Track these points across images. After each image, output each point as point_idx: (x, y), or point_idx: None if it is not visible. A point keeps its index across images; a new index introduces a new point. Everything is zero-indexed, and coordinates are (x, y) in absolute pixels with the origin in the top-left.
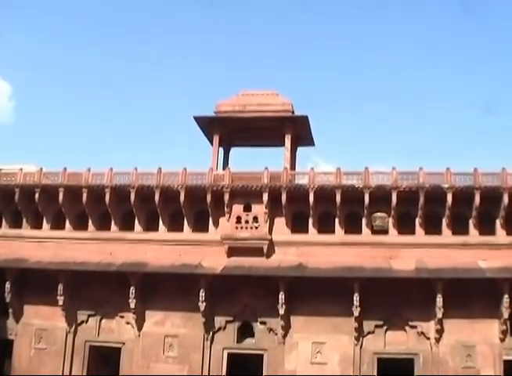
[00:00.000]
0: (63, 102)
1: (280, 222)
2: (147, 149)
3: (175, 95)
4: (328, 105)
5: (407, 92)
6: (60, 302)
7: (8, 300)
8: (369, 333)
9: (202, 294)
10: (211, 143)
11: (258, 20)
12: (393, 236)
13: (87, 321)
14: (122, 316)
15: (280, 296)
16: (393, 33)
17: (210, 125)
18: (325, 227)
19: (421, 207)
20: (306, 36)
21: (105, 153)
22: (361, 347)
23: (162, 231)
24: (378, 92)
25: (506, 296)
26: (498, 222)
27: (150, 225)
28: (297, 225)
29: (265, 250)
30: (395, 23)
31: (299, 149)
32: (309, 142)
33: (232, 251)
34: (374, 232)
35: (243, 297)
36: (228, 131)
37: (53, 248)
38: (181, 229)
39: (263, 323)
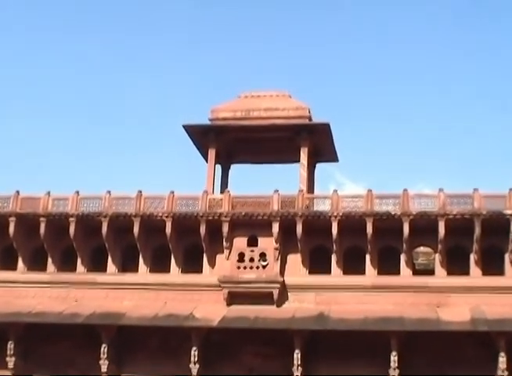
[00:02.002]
0: (13, 107)
1: (295, 260)
2: (124, 168)
3: (161, 99)
4: (351, 111)
5: (455, 96)
6: (10, 365)
7: None
8: None
9: (194, 353)
10: (206, 159)
11: (261, 11)
12: (441, 277)
13: None
14: None
15: (295, 356)
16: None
17: (205, 136)
18: (352, 266)
19: (477, 239)
20: (320, 30)
21: (69, 174)
22: None
23: (143, 272)
24: (418, 96)
25: None
26: None
27: (128, 265)
28: (317, 263)
29: (275, 296)
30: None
31: (318, 166)
32: (331, 156)
33: (232, 298)
34: (416, 272)
35: (247, 357)
36: (227, 143)
37: (1, 294)
38: (167, 270)
39: None
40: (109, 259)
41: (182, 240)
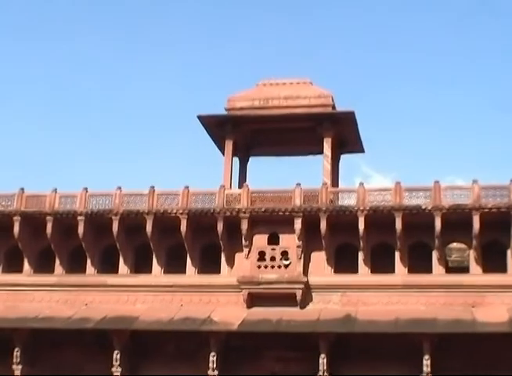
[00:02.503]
0: (16, 102)
1: (319, 259)
2: (135, 163)
3: (175, 89)
4: (377, 98)
5: (488, 81)
6: (17, 373)
7: None
8: None
9: (213, 359)
10: (222, 152)
11: None
12: (476, 275)
13: None
14: None
15: (321, 360)
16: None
17: (221, 127)
18: (381, 264)
19: None
20: (340, 13)
21: (77, 170)
22: None
23: (156, 273)
24: (448, 81)
25: None
26: None
27: (140, 266)
28: (343, 261)
29: (298, 297)
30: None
31: (343, 157)
32: (356, 147)
33: (253, 300)
34: (450, 270)
35: (269, 362)
36: (245, 134)
37: (6, 298)
38: (182, 270)
39: None
40: (121, 260)
41: (198, 238)
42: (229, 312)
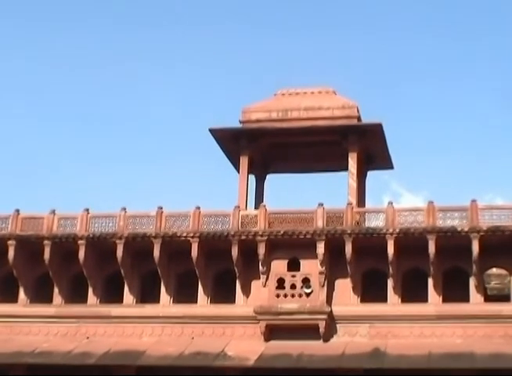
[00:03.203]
0: (14, 115)
1: (344, 287)
2: (141, 181)
3: (185, 101)
4: (406, 110)
5: None
6: None
7: None
8: None
9: None
10: (237, 169)
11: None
12: None
13: None
14: None
15: None
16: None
17: (235, 142)
18: (412, 292)
19: None
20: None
21: (77, 190)
22: None
23: (165, 303)
24: (484, 92)
25: None
26: None
27: (147, 295)
28: (370, 290)
29: (321, 329)
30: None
31: (370, 174)
32: (385, 163)
33: (271, 332)
34: (489, 298)
35: None
36: (261, 149)
37: (0, 331)
38: (193, 300)
39: None
40: (126, 288)
41: (211, 264)
42: (245, 345)
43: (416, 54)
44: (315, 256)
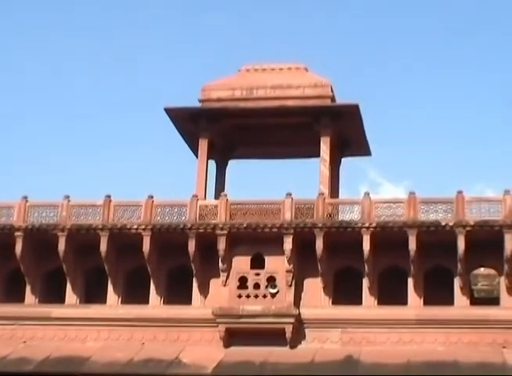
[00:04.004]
0: None
1: (314, 287)
2: (87, 167)
3: (137, 78)
4: (386, 90)
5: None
6: None
7: None
8: None
9: None
10: (195, 154)
11: None
12: (507, 308)
13: None
14: None
15: None
16: None
17: (194, 123)
18: (390, 294)
19: None
20: None
21: (16, 175)
22: None
23: (112, 303)
24: (471, 71)
25: None
26: None
27: (93, 294)
28: (344, 290)
29: (288, 334)
30: None
31: (344, 161)
32: (362, 149)
33: (232, 337)
34: (475, 301)
35: None
36: (223, 132)
37: None
38: (145, 300)
39: None
40: (68, 287)
41: (165, 260)
42: (202, 352)
43: (397, 28)
44: (282, 252)
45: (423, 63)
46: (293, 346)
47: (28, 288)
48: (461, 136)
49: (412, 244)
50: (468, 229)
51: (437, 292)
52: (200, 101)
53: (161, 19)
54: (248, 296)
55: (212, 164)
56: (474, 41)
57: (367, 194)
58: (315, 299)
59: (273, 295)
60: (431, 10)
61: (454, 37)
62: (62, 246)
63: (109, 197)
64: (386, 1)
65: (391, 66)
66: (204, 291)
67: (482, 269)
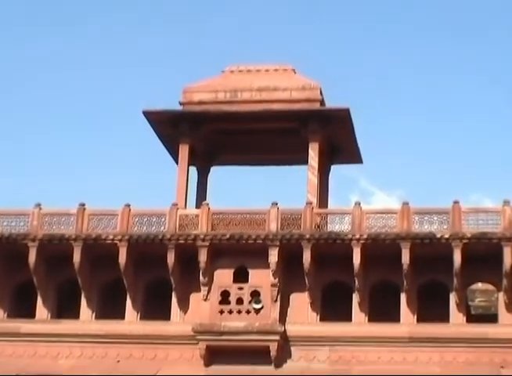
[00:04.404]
0: None
1: (301, 302)
2: (60, 172)
3: (116, 80)
4: (379, 95)
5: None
6: None
7: None
8: None
9: None
10: (175, 160)
11: None
12: (506, 325)
13: None
14: None
15: None
16: None
17: (174, 127)
18: (381, 310)
19: None
20: None
21: None
22: None
23: (86, 319)
24: (469, 77)
25: None
26: None
27: (65, 309)
28: (332, 306)
29: (273, 352)
30: None
31: (334, 168)
32: (352, 156)
33: (213, 355)
34: (472, 318)
35: None
36: (205, 137)
37: None
38: (120, 315)
39: None
40: (39, 300)
41: (142, 273)
42: (181, 371)
43: (390, 28)
44: (267, 265)
45: (418, 66)
46: (278, 365)
47: None
48: (457, 143)
49: (406, 258)
50: (465, 241)
51: (431, 308)
52: (180, 104)
53: (140, 18)
54: (230, 312)
55: (193, 170)
56: (469, 45)
57: (358, 204)
58: (302, 315)
59: (257, 311)
60: (427, 11)
61: (450, 39)
62: (32, 257)
63: (83, 205)
64: (379, 2)
65: (384, 69)
66: (184, 306)
67: (480, 284)
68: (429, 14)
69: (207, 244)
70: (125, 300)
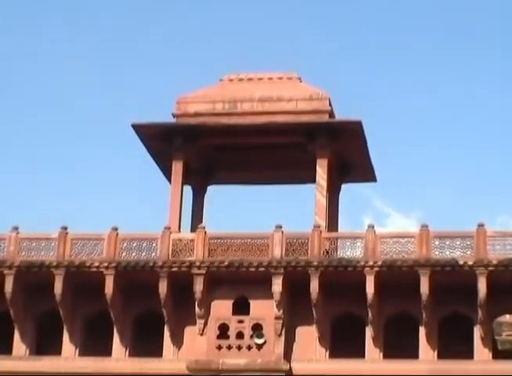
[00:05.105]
0: None
1: (308, 336)
2: (40, 193)
3: (107, 90)
4: (395, 108)
5: None
6: None
7: None
8: None
9: None
10: (168, 178)
11: None
12: None
13: None
14: None
15: None
16: None
17: (167, 142)
18: (398, 345)
19: None
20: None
21: None
22: None
23: (69, 355)
24: (489, 90)
25: None
26: None
27: (45, 344)
28: (343, 341)
29: None
30: None
31: (345, 187)
32: (365, 173)
33: None
34: (498, 354)
35: None
36: (201, 152)
37: None
38: (107, 352)
39: None
40: (17, 335)
41: (131, 304)
42: None
43: (404, 34)
44: (270, 295)
45: (436, 74)
46: None
47: None
48: (482, 160)
49: (425, 287)
50: (491, 269)
51: (453, 343)
52: (174, 116)
53: (131, 23)
54: (230, 347)
55: (188, 190)
56: (487, 54)
57: (371, 227)
58: (309, 351)
59: (259, 347)
60: (442, 17)
61: (468, 47)
62: (9, 286)
63: (65, 228)
64: (391, 6)
65: (398, 77)
66: (178, 341)
67: (507, 316)
68: (444, 20)
69: (203, 271)
70: (112, 334)
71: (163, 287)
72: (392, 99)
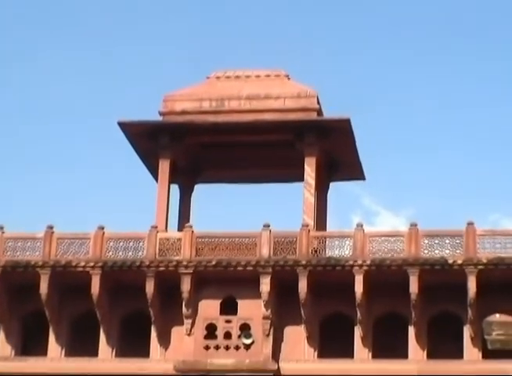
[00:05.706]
0: None
1: (296, 336)
2: (26, 192)
3: (92, 87)
4: (384, 104)
5: None
6: None
7: None
8: None
9: None
10: (155, 176)
11: None
12: None
13: None
14: None
15: None
16: None
17: (153, 140)
18: (387, 345)
19: None
20: None
21: None
22: None
23: (54, 356)
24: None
25: None
26: None
27: (31, 344)
28: (332, 341)
29: None
30: None
31: (333, 186)
32: (354, 171)
33: None
34: (489, 354)
35: None
36: (188, 150)
37: None
38: (93, 352)
39: None
40: (2, 335)
41: (117, 304)
42: None
43: (390, 30)
44: (258, 295)
45: (426, 72)
46: None
47: None
48: (472, 158)
49: (414, 286)
50: (480, 267)
51: (443, 343)
52: (160, 114)
53: (118, 21)
54: (217, 347)
55: (175, 189)
56: (476, 51)
57: (360, 226)
58: (298, 351)
59: (247, 347)
60: (430, 15)
61: (456, 43)
62: None
63: (51, 228)
64: (379, 4)
65: (387, 75)
66: (165, 341)
67: (497, 315)
68: (432, 18)
69: (190, 271)
70: (98, 335)
71: (150, 287)
72: (381, 97)
